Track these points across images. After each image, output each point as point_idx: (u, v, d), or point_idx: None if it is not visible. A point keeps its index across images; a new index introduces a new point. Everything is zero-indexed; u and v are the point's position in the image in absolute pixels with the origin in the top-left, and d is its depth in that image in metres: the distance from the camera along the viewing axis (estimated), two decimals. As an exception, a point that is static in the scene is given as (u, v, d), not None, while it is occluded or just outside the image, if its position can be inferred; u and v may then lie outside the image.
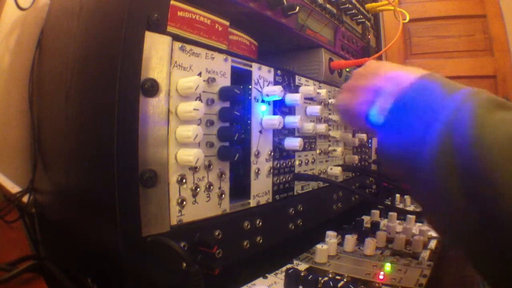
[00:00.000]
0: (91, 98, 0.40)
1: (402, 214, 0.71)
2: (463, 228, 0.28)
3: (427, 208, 0.33)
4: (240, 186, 0.46)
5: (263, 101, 0.48)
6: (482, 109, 0.27)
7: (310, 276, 0.40)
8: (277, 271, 0.46)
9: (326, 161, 0.64)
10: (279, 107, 0.51)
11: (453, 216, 0.28)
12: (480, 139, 0.26)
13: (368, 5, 0.86)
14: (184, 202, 0.37)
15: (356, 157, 0.73)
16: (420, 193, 0.33)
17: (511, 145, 0.24)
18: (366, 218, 0.72)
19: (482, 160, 0.25)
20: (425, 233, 0.61)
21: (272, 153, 0.50)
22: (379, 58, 0.72)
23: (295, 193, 0.56)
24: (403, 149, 0.33)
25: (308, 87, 0.56)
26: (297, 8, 0.54)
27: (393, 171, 0.37)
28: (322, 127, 0.57)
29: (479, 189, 0.25)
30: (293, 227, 0.54)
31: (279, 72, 0.52)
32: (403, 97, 0.34)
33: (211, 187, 0.40)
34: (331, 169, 0.64)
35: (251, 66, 0.47)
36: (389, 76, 0.39)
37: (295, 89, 0.56)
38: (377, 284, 0.43)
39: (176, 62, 0.37)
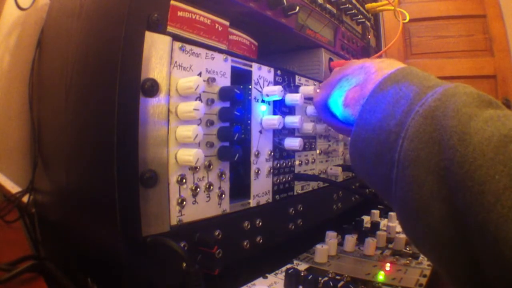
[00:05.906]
0: (91, 98, 0.40)
1: (402, 214, 0.71)
2: (438, 239, 0.25)
3: (400, 214, 0.30)
4: (240, 186, 0.46)
5: (263, 101, 0.48)
6: (469, 106, 0.25)
7: (310, 276, 0.40)
8: (277, 271, 0.46)
9: (326, 161, 0.64)
10: (279, 107, 0.51)
11: (427, 224, 0.26)
12: (467, 136, 0.24)
13: (368, 5, 0.86)
14: (184, 202, 0.37)
15: (356, 157, 0.73)
16: (392, 196, 0.29)
17: (501, 144, 0.22)
18: (366, 218, 0.72)
19: (467, 159, 0.23)
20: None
21: (272, 153, 0.50)
22: (379, 58, 0.71)
23: (295, 193, 0.56)
24: (377, 143, 0.30)
25: (308, 87, 0.56)
26: (297, 8, 0.54)
27: (365, 171, 0.33)
28: (322, 127, 0.57)
29: (460, 194, 0.23)
30: (293, 227, 0.54)
31: (279, 72, 0.52)
32: (381, 85, 0.32)
33: (211, 187, 0.40)
34: (331, 169, 0.64)
35: (251, 66, 0.47)
36: (358, 66, 0.39)
37: (295, 89, 0.56)
38: (377, 284, 0.43)
39: (176, 62, 0.37)
